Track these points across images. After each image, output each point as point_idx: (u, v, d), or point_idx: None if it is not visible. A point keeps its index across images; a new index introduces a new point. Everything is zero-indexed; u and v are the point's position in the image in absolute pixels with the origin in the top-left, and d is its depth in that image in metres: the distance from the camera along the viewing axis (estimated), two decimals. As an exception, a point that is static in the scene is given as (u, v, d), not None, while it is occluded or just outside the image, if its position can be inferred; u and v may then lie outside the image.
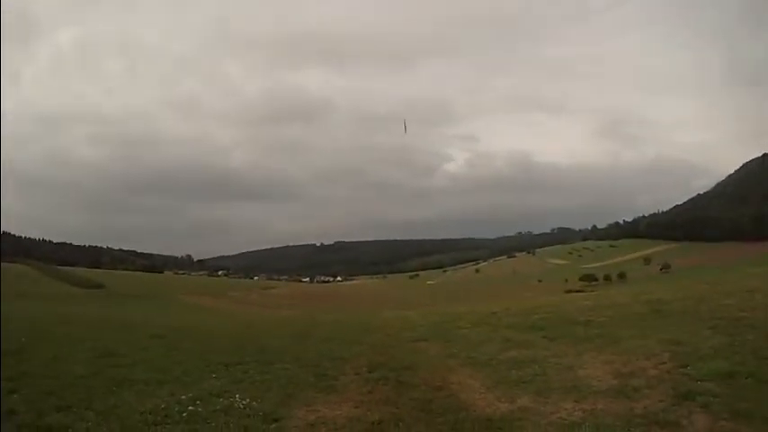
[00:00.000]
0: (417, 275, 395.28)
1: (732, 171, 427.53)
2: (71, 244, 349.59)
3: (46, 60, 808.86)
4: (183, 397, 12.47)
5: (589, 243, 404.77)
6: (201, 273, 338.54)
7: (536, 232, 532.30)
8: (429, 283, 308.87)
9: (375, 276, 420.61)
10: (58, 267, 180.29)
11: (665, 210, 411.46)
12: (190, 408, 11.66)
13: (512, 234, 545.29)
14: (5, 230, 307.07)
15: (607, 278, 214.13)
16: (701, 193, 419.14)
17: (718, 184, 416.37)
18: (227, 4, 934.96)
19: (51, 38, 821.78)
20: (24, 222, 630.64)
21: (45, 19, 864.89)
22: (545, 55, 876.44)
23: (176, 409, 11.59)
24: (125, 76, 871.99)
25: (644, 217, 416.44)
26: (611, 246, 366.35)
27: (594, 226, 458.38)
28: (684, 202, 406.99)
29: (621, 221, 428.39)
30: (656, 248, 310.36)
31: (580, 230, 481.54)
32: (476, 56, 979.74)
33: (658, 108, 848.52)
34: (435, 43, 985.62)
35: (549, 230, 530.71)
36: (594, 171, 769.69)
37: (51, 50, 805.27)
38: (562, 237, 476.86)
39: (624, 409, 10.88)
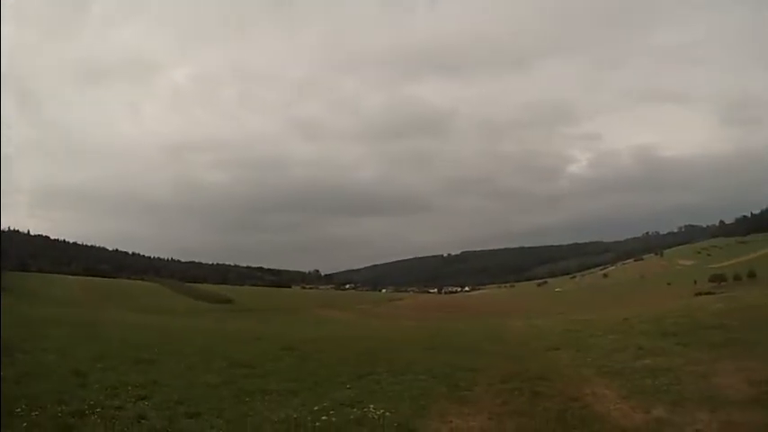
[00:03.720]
0: (545, 283, 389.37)
1: None
2: (199, 262, 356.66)
3: (166, 96, 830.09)
4: (316, 407, 12.66)
5: (717, 240, 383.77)
6: (329, 287, 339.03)
7: (663, 232, 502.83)
8: (557, 290, 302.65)
9: (503, 285, 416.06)
10: (186, 284, 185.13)
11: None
12: (323, 417, 11.84)
13: (638, 235, 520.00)
14: (134, 251, 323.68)
15: (737, 278, 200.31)
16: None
17: None
18: (337, 24, 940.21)
19: (170, 75, 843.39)
20: (152, 243, 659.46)
21: (162, 59, 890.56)
22: (659, 42, 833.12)
23: (309, 418, 11.77)
24: (245, 103, 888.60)
25: None
26: (740, 242, 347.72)
27: (722, 221, 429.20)
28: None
29: (749, 214, 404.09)
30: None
31: (707, 227, 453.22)
32: (590, 51, 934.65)
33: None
34: (549, 42, 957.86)
35: (675, 229, 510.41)
36: (721, 161, 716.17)
37: (171, 87, 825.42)
38: (689, 235, 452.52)
39: (761, 420, 10.60)
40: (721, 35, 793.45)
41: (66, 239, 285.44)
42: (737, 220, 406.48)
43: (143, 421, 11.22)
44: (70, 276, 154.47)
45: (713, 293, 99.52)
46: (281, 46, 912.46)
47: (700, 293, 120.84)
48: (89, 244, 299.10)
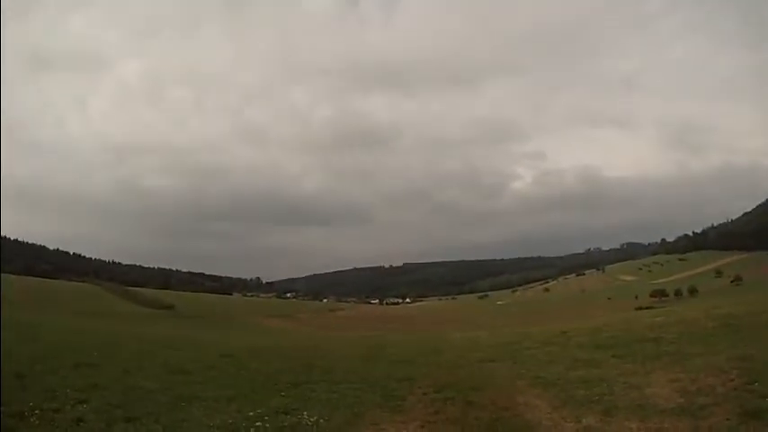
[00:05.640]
0: (486, 296, 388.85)
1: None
2: (140, 266, 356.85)
3: (114, 92, 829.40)
4: (251, 413, 12.77)
5: (658, 257, 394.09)
6: (270, 295, 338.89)
7: (605, 248, 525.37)
8: (498, 303, 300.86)
9: (444, 298, 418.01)
10: (128, 288, 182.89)
11: (734, 218, 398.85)
12: (257, 423, 11.99)
13: (581, 251, 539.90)
14: (75, 252, 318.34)
15: (678, 293, 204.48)
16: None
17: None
18: (291, 33, 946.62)
19: (119, 71, 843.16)
20: (94, 244, 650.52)
21: (112, 53, 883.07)
22: (608, 67, 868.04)
23: (243, 424, 11.92)
24: (193, 107, 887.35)
25: (713, 227, 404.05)
26: (680, 259, 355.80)
27: (663, 239, 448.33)
28: (754, 209, 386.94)
29: (691, 233, 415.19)
30: (727, 260, 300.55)
31: (649, 245, 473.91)
32: (540, 73, 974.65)
33: (724, 113, 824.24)
34: (499, 62, 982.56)
35: (617, 246, 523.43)
36: (663, 183, 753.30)
37: (119, 83, 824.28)
38: (631, 252, 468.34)
39: (689, 428, 10.75)
40: (665, 65, 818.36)
41: (8, 236, 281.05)
42: (678, 239, 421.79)
43: (81, 424, 11.31)
44: (12, 276, 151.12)
45: (653, 308, 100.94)
46: (233, 50, 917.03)
47: (640, 308, 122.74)
48: (30, 242, 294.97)
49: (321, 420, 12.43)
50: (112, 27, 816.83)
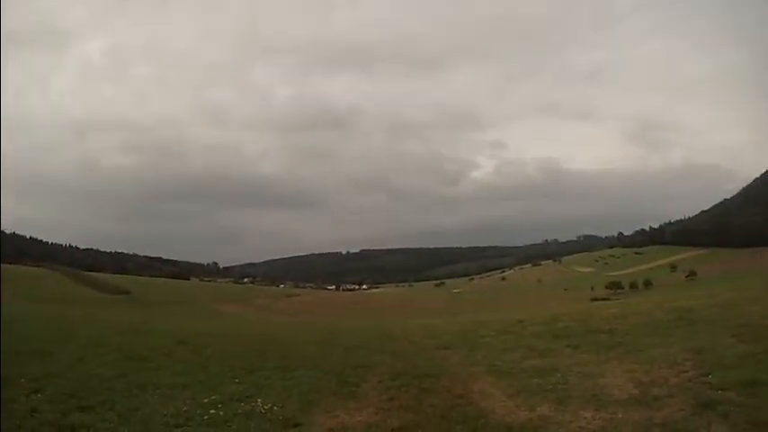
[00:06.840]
0: (443, 283, 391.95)
1: (758, 175, 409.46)
2: (97, 250, 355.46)
3: (76, 69, 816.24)
4: (206, 400, 12.65)
5: (614, 250, 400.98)
6: (227, 280, 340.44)
7: (562, 240, 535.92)
8: (455, 291, 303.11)
9: (401, 285, 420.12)
10: (85, 273, 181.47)
11: (691, 216, 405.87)
12: (211, 411, 11.84)
13: (538, 242, 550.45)
14: (32, 236, 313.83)
15: (633, 286, 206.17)
16: (727, 198, 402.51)
17: (744, 189, 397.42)
18: (256, 11, 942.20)
19: (81, 47, 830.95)
20: (51, 228, 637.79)
21: (75, 29, 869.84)
22: (574, 61, 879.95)
23: (198, 411, 11.79)
24: (155, 84, 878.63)
25: (670, 223, 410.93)
26: (637, 253, 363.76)
27: (620, 233, 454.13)
28: (711, 208, 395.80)
29: (648, 228, 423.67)
30: (682, 255, 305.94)
31: (606, 237, 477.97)
32: (505, 62, 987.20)
33: (687, 113, 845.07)
34: (465, 49, 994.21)
35: (574, 238, 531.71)
36: (622, 177, 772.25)
37: (81, 60, 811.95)
38: (588, 244, 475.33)
39: (643, 418, 10.78)
40: (632, 62, 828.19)
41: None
42: (635, 233, 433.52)
43: (36, 414, 10.97)
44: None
45: (609, 299, 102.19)
46: (197, 28, 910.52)
47: (596, 299, 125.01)
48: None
49: (275, 407, 12.30)
50: (76, 4, 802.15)
